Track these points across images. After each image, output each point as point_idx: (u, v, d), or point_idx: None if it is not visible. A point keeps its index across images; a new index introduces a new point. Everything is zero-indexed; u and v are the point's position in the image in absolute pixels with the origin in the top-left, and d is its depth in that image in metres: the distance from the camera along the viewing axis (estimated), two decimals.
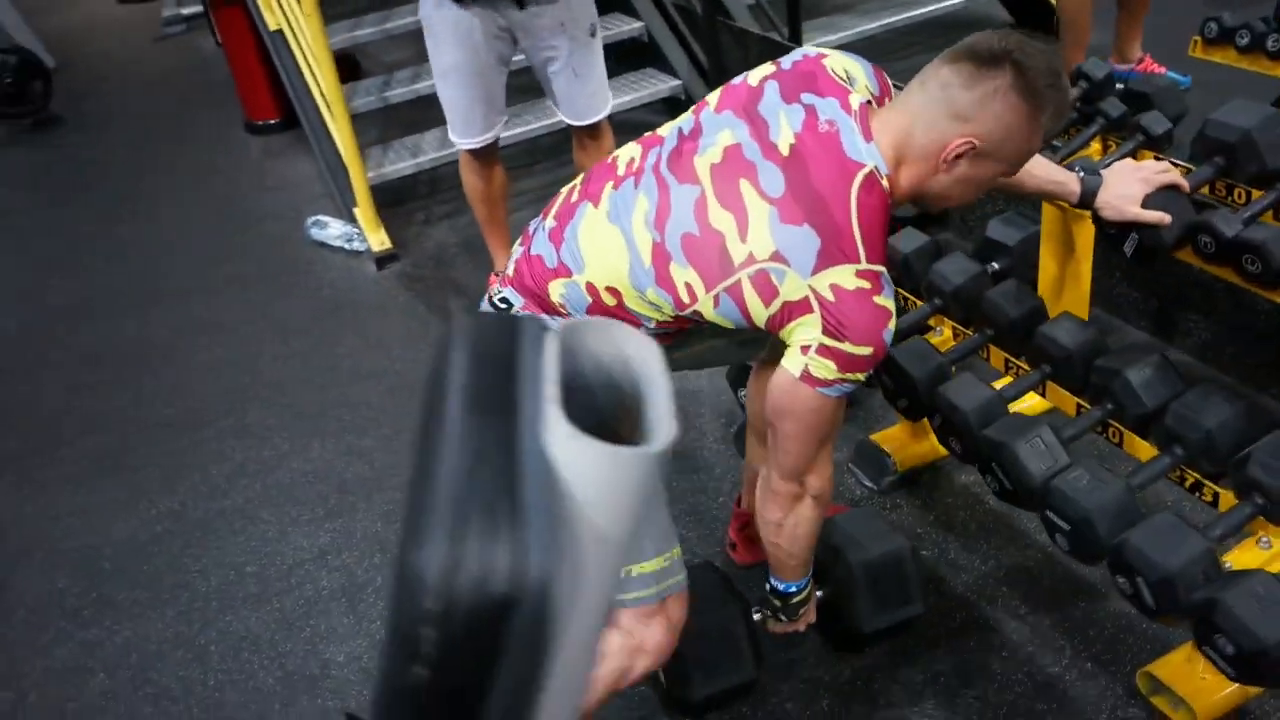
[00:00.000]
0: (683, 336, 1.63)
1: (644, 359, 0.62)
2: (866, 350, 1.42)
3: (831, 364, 1.42)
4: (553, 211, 1.61)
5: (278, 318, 3.47)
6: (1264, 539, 1.74)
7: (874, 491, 2.38)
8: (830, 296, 1.39)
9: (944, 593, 2.11)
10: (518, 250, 1.63)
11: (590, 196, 1.55)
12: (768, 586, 1.79)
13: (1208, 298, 2.54)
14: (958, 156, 1.45)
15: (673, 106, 4.42)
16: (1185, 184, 1.88)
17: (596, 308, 1.52)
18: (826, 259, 1.39)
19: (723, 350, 1.83)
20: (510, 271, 1.62)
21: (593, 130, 3.03)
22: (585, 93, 2.94)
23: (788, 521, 1.63)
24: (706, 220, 1.43)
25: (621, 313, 1.51)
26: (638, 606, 1.54)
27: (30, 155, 5.48)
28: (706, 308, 1.46)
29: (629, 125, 4.60)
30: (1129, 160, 1.97)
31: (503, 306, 1.60)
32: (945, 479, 2.39)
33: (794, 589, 1.77)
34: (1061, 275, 2.30)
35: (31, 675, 2.27)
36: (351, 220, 3.82)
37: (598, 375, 0.63)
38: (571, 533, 0.54)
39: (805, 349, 1.42)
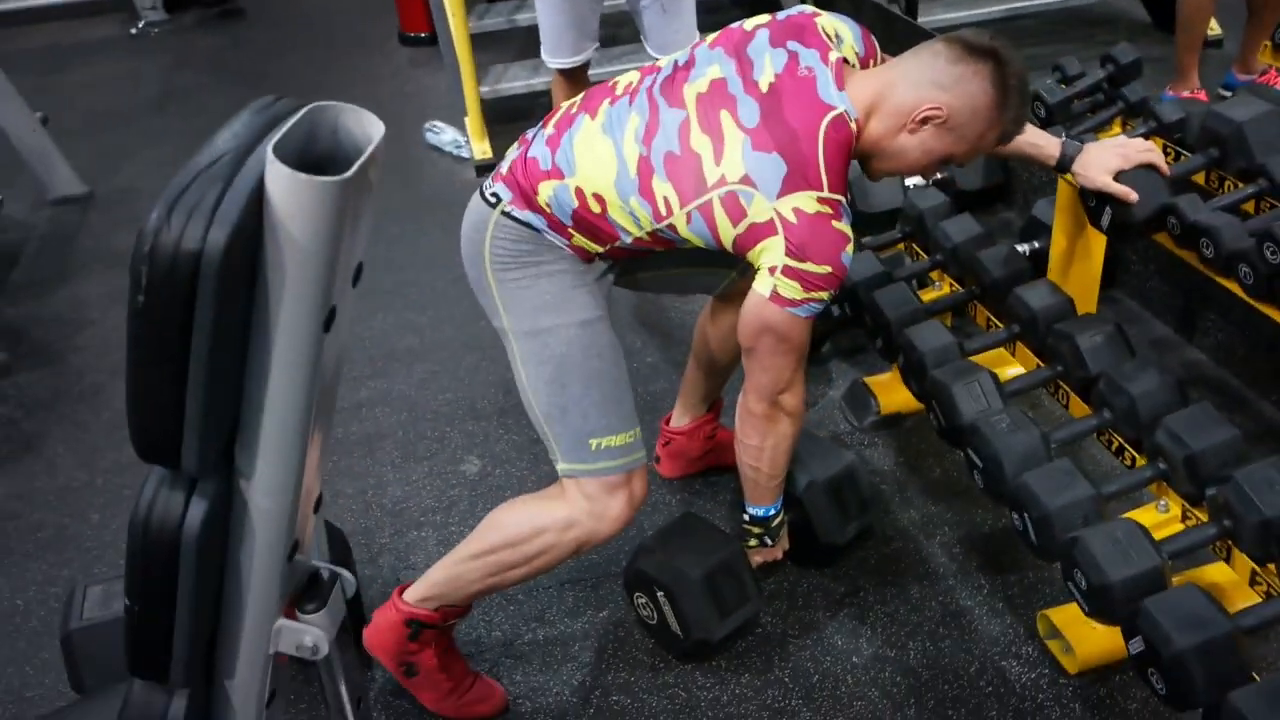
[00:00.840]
0: (655, 257, 1.80)
1: (374, 135, 0.84)
2: (826, 269, 1.58)
3: (796, 284, 1.58)
4: (552, 121, 1.76)
5: (379, 207, 3.79)
6: (1162, 503, 1.84)
7: (856, 429, 2.52)
8: (793, 219, 1.55)
9: (888, 523, 2.26)
10: (514, 152, 1.75)
11: (589, 110, 1.71)
12: (746, 517, 1.94)
13: (1229, 299, 2.56)
14: (925, 120, 1.61)
15: None
16: (1165, 166, 1.95)
17: (581, 212, 1.66)
18: (791, 185, 1.55)
19: (686, 279, 2.00)
20: (504, 170, 1.73)
21: None
22: (671, 28, 3.11)
23: (767, 443, 1.79)
24: (688, 142, 1.61)
25: (603, 222, 1.66)
26: (605, 477, 1.72)
27: (213, 40, 6.00)
28: (680, 223, 1.63)
29: None
30: (1120, 136, 2.05)
31: (493, 200, 1.70)
32: (924, 428, 2.51)
33: (773, 511, 1.93)
34: (1071, 249, 2.37)
35: (103, 464, 2.66)
36: (463, 129, 4.11)
37: (352, 148, 0.85)
38: (272, 232, 0.77)
39: (773, 270, 1.59)
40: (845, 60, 1.66)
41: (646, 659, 2.01)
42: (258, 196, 0.76)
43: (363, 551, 2.29)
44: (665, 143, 1.62)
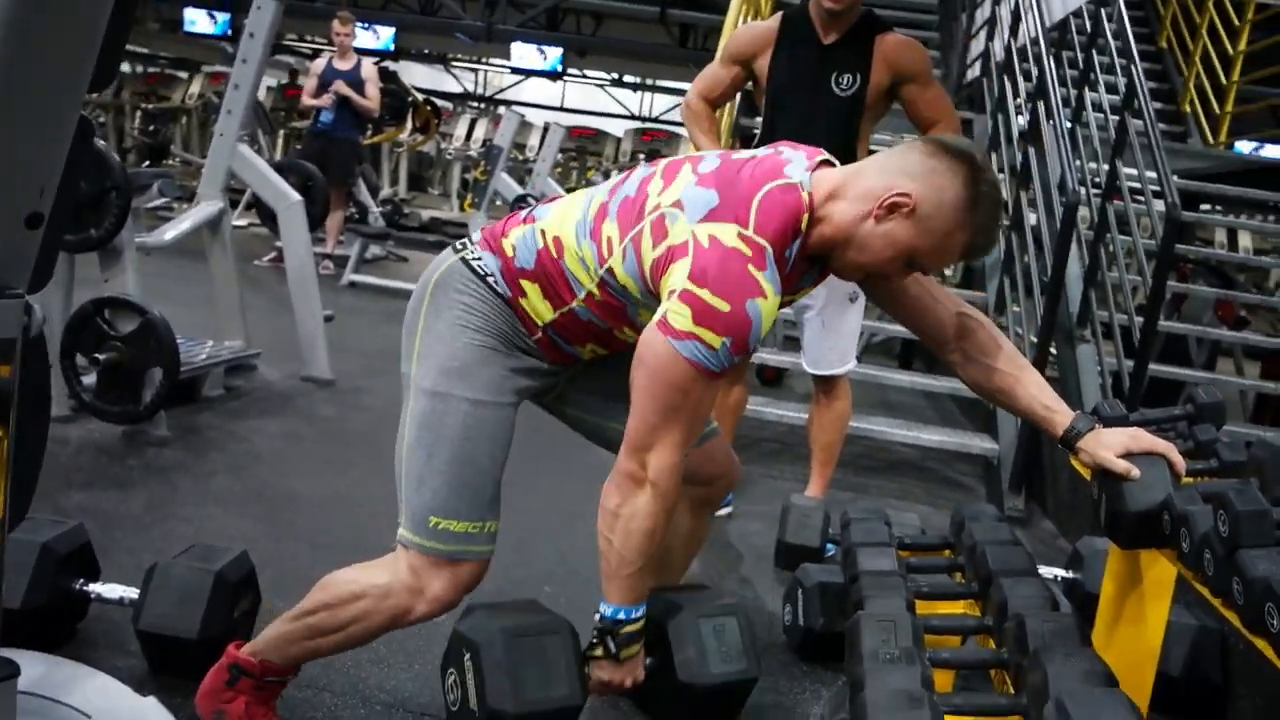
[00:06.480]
0: (583, 384, 1.86)
1: None
2: (724, 306, 1.50)
3: (687, 311, 1.51)
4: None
5: None
6: None
7: None
8: (705, 243, 1.55)
9: None
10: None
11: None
12: (596, 617, 1.74)
13: None
14: (892, 208, 1.59)
15: (985, 472, 4.36)
16: (1180, 461, 1.72)
17: (544, 256, 1.70)
18: (716, 215, 1.57)
19: (602, 429, 1.92)
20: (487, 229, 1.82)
21: (827, 384, 3.22)
22: (826, 345, 3.19)
23: (624, 510, 1.64)
24: (645, 187, 1.68)
25: (559, 273, 1.69)
26: (428, 555, 1.70)
27: None
28: (617, 263, 1.64)
29: (931, 465, 4.61)
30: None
31: (459, 248, 1.78)
32: None
33: (622, 616, 1.71)
34: (1120, 605, 2.03)
35: (158, 497, 2.88)
36: None
37: None
38: None
39: (670, 294, 1.55)
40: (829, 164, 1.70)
41: None
42: None
43: None
44: (625, 190, 1.70)
